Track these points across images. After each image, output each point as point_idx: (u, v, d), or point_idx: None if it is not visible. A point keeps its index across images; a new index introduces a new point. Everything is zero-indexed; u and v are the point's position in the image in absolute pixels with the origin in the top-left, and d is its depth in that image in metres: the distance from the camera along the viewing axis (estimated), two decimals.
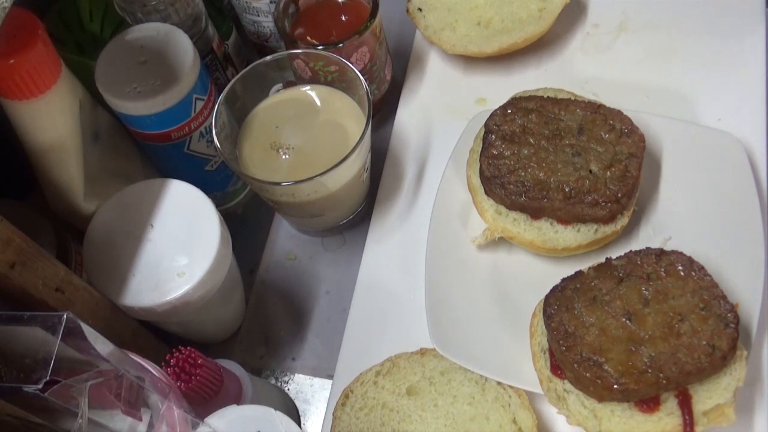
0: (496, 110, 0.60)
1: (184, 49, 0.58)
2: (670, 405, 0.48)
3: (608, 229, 0.57)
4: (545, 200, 0.56)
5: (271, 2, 0.68)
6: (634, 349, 0.48)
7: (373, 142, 0.62)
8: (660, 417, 0.48)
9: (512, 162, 0.57)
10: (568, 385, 0.51)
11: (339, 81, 0.62)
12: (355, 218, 0.68)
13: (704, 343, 0.48)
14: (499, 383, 0.55)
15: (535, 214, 0.58)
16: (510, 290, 0.59)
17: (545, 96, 0.61)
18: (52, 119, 0.53)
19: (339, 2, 0.67)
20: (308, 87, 0.64)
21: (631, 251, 0.53)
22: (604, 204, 0.55)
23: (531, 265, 0.60)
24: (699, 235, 0.58)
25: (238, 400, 0.52)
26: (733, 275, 0.54)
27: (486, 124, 0.60)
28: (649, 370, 0.47)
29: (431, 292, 0.58)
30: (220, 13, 0.71)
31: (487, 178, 0.58)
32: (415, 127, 0.71)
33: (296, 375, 0.64)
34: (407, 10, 0.72)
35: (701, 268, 0.51)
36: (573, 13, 0.74)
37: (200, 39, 0.63)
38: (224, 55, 0.68)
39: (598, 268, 0.53)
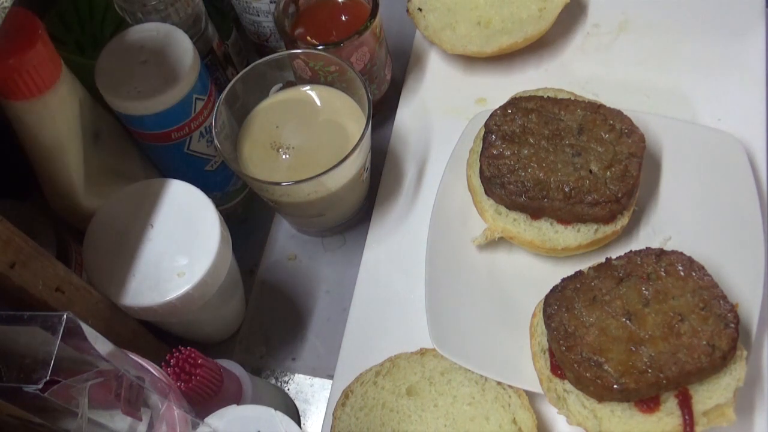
0: (496, 110, 0.60)
1: (184, 49, 0.58)
2: (670, 405, 0.48)
3: (608, 229, 0.57)
4: (545, 200, 0.56)
5: (271, 2, 0.68)
6: (634, 349, 0.48)
7: (373, 142, 0.62)
8: (660, 417, 0.48)
9: (512, 162, 0.57)
10: (568, 385, 0.51)
11: (339, 81, 0.62)
12: (355, 218, 0.68)
13: (704, 343, 0.48)
14: (499, 383, 0.55)
15: (535, 214, 0.58)
16: (510, 290, 0.59)
17: (545, 96, 0.61)
18: (52, 119, 0.53)
19: (339, 2, 0.67)
20: (308, 87, 0.64)
21: (631, 251, 0.53)
22: (604, 204, 0.55)
23: (531, 265, 0.60)
24: (699, 235, 0.58)
25: (238, 400, 0.52)
26: (733, 275, 0.54)
27: (486, 124, 0.60)
28: (649, 370, 0.47)
29: (431, 292, 0.58)
30: (220, 13, 0.70)
31: (487, 178, 0.58)
32: (415, 127, 0.71)
33: (296, 375, 0.64)
34: (407, 10, 0.72)
35: (701, 268, 0.51)
36: (573, 13, 0.74)
37: (200, 39, 0.63)
38: (224, 55, 0.68)
39: (598, 268, 0.53)
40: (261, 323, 0.66)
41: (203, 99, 0.59)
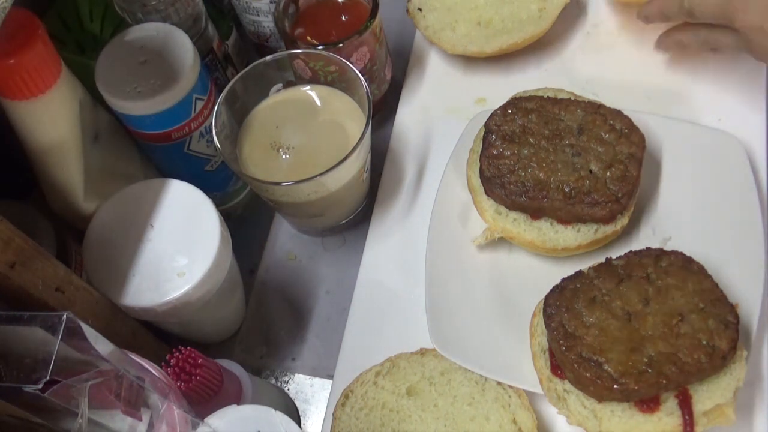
0: (496, 110, 0.60)
1: (184, 49, 0.58)
2: (670, 405, 0.48)
3: (608, 229, 0.57)
4: (545, 200, 0.56)
5: (271, 2, 0.68)
6: (634, 349, 0.48)
7: (373, 142, 0.62)
8: (660, 417, 0.48)
9: (512, 162, 0.57)
10: (568, 385, 0.51)
11: (339, 81, 0.62)
12: (355, 218, 0.68)
13: (704, 343, 0.48)
14: (499, 383, 0.55)
15: (535, 214, 0.58)
16: (510, 290, 0.59)
17: (545, 96, 0.61)
18: (52, 119, 0.53)
19: (339, 2, 0.67)
20: (308, 87, 0.64)
21: (631, 251, 0.53)
22: (604, 204, 0.55)
23: (531, 265, 0.60)
24: (699, 235, 0.58)
25: (238, 400, 0.52)
26: (733, 275, 0.54)
27: (486, 124, 0.60)
28: (649, 370, 0.47)
29: (431, 292, 0.58)
30: (220, 13, 0.71)
31: (487, 178, 0.58)
32: (415, 127, 0.71)
33: (296, 375, 0.64)
34: (407, 10, 0.72)
35: (701, 268, 0.51)
36: (573, 13, 0.74)
37: (200, 39, 0.63)
38: (224, 55, 0.68)
39: (598, 268, 0.53)
40: (261, 323, 0.66)
41: (203, 99, 0.60)
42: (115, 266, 0.53)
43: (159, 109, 0.57)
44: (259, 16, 0.70)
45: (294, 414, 0.62)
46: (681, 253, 0.52)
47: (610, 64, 0.70)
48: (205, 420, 0.45)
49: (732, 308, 0.49)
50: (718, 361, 0.47)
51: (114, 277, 0.52)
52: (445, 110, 0.71)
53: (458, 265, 0.60)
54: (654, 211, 0.61)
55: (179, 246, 0.53)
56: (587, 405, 0.50)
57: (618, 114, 0.59)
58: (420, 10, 0.72)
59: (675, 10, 0.60)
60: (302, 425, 0.62)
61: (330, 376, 0.61)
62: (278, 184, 0.56)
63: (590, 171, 0.56)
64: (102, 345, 0.38)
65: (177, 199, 0.55)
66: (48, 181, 0.56)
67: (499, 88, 0.68)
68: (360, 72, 0.59)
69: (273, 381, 0.63)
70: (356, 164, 0.59)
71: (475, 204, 0.61)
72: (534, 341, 0.54)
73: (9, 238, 0.42)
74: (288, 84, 0.64)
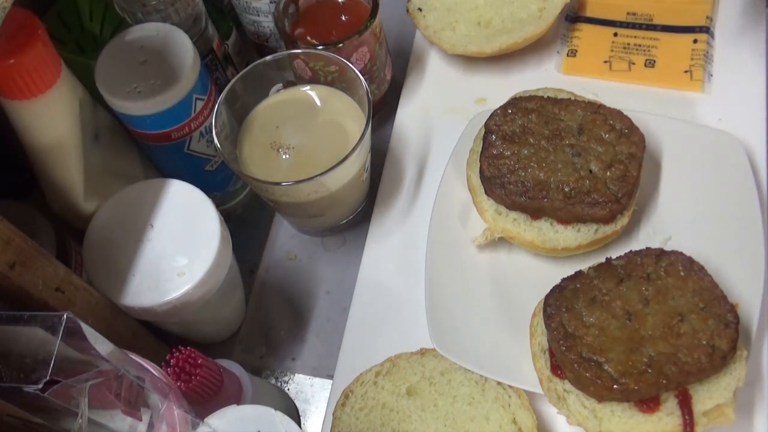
0: (496, 110, 0.60)
1: (184, 49, 0.58)
2: (670, 405, 0.48)
3: (608, 229, 0.57)
4: (545, 200, 0.56)
5: (271, 2, 0.68)
6: (634, 349, 0.48)
7: (373, 142, 0.62)
8: (660, 417, 0.48)
9: (512, 162, 0.57)
10: (568, 385, 0.51)
11: (339, 81, 0.62)
12: (355, 218, 0.68)
13: (704, 343, 0.48)
14: (499, 383, 0.55)
15: (535, 214, 0.58)
16: (510, 290, 0.59)
17: (545, 96, 0.61)
18: (52, 119, 0.53)
19: (339, 2, 0.67)
20: (308, 87, 0.64)
21: (631, 251, 0.53)
22: (604, 204, 0.55)
23: (531, 265, 0.60)
24: (699, 235, 0.58)
25: (238, 400, 0.52)
26: (733, 275, 0.54)
27: (486, 124, 0.60)
28: (649, 370, 0.47)
29: (431, 292, 0.58)
30: (220, 13, 0.71)
31: (487, 178, 0.58)
32: (415, 127, 0.71)
33: (296, 375, 0.64)
34: (407, 10, 0.72)
35: (701, 268, 0.51)
36: None
37: (200, 39, 0.63)
38: (224, 55, 0.68)
39: (598, 268, 0.53)
40: (261, 323, 0.66)
41: (203, 99, 0.60)
42: (115, 266, 0.53)
43: (159, 109, 0.57)
44: (259, 16, 0.70)
45: (294, 414, 0.62)
46: (681, 253, 0.52)
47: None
48: (205, 420, 0.45)
49: (732, 308, 0.49)
50: (718, 361, 0.47)
51: (114, 277, 0.52)
52: (445, 110, 0.71)
53: (458, 265, 0.60)
54: (654, 211, 0.61)
55: (179, 246, 0.53)
56: (587, 405, 0.50)
57: (618, 114, 0.59)
58: (420, 10, 0.72)
59: None
60: (302, 425, 0.62)
61: (330, 376, 0.61)
62: (278, 184, 0.56)
63: (590, 171, 0.56)
64: (102, 345, 0.38)
65: (177, 199, 0.55)
66: (48, 181, 0.56)
67: (499, 88, 0.68)
68: (360, 72, 0.59)
69: (273, 381, 0.63)
70: (356, 164, 0.59)
71: (475, 204, 0.61)
72: (534, 341, 0.54)
73: (9, 238, 0.42)
74: (288, 84, 0.64)
